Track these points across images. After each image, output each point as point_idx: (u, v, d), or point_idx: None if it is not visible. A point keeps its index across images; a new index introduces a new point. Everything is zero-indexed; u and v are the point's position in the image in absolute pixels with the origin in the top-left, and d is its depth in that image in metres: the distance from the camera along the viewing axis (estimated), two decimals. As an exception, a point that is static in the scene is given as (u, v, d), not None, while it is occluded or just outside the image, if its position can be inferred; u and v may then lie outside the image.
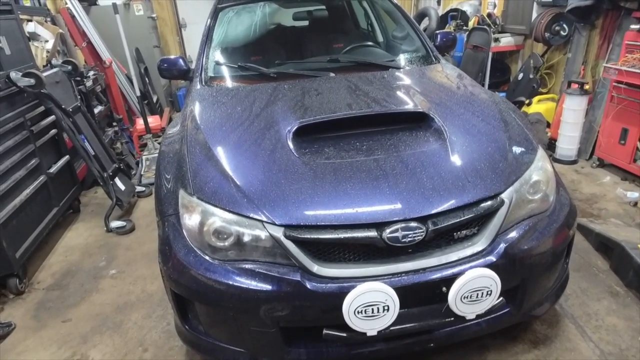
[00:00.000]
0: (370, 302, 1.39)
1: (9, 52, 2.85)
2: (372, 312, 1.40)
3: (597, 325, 2.05)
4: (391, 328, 1.46)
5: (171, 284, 1.63)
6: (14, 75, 2.76)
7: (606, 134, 3.62)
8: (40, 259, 2.95)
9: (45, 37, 3.97)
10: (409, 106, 1.97)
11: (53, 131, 3.25)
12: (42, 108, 3.13)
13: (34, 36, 3.85)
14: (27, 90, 2.88)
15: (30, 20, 3.91)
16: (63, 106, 3.18)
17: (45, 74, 3.11)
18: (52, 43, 3.93)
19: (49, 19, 4.44)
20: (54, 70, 3.44)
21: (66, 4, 4.91)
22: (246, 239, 1.51)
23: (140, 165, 4.33)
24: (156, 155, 4.23)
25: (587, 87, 3.74)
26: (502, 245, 1.54)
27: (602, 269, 2.44)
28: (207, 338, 1.69)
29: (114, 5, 4.31)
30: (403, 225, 1.46)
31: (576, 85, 3.72)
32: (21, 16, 3.40)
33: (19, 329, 2.32)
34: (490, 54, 4.86)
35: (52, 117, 3.20)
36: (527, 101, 4.47)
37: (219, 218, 1.54)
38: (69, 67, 3.62)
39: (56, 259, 2.96)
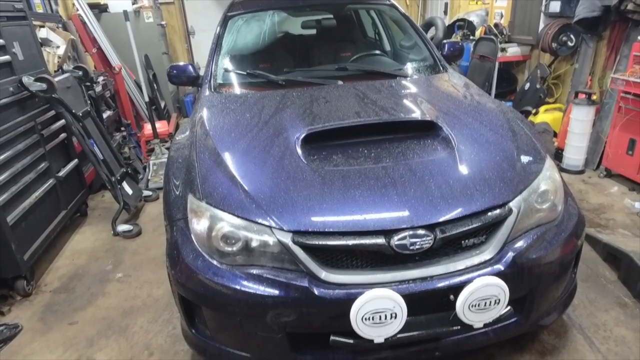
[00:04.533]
0: (378, 309, 1.39)
1: (21, 57, 2.89)
2: (380, 319, 1.40)
3: (605, 336, 2.03)
4: (398, 335, 1.45)
5: (179, 288, 1.63)
6: (26, 80, 2.81)
7: (613, 144, 3.61)
8: (47, 261, 2.97)
9: (57, 42, 4.03)
10: (417, 115, 1.98)
11: (63, 135, 3.29)
12: (52, 112, 3.17)
13: (46, 42, 3.91)
14: (38, 95, 2.92)
15: (43, 26, 3.98)
16: (73, 111, 3.22)
17: (56, 79, 3.16)
18: (64, 49, 3.99)
19: (60, 25, 4.51)
20: (65, 75, 3.49)
21: (77, 10, 4.99)
22: (254, 244, 1.52)
23: (147, 169, 4.36)
24: (163, 160, 4.28)
25: (594, 97, 3.74)
26: (510, 254, 1.54)
27: (610, 280, 2.42)
28: (213, 342, 1.69)
29: (125, 12, 4.37)
30: (411, 232, 1.46)
31: (583, 96, 3.72)
32: (34, 22, 3.46)
33: (25, 330, 2.33)
34: (497, 64, 4.87)
35: (62, 122, 3.24)
36: (533, 111, 4.47)
37: (228, 223, 1.55)
38: (80, 73, 3.66)
39: (63, 262, 2.98)
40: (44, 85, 2.90)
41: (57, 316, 2.43)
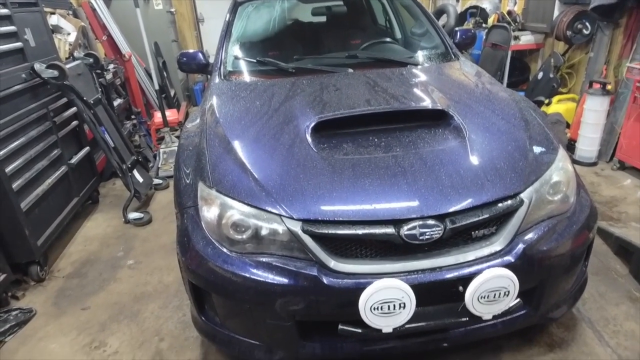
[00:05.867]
0: (387, 298, 1.39)
1: (33, 44, 2.91)
2: (389, 309, 1.40)
3: (615, 330, 2.02)
4: (407, 325, 1.46)
5: (189, 275, 1.65)
6: (38, 66, 2.83)
7: (628, 135, 3.55)
8: (60, 247, 3.02)
9: (68, 29, 4.04)
10: (428, 103, 1.96)
11: (74, 123, 3.32)
12: (64, 100, 3.19)
13: (57, 29, 3.92)
14: (50, 82, 2.94)
15: (54, 13, 3.99)
16: (85, 98, 3.24)
17: (68, 66, 3.17)
18: (75, 36, 4.00)
19: (71, 12, 4.52)
20: (76, 62, 3.50)
21: (88, -3, 4.99)
22: (264, 232, 1.53)
23: (157, 158, 4.39)
24: (173, 148, 4.30)
25: (609, 87, 3.66)
26: (521, 246, 1.52)
27: (621, 273, 2.40)
28: (223, 330, 1.71)
29: (135, -1, 4.35)
30: (421, 222, 1.45)
31: (598, 85, 3.65)
32: (45, 9, 3.46)
33: (39, 315, 2.38)
34: (510, 53, 4.79)
35: (73, 109, 3.27)
36: (546, 101, 4.40)
37: (237, 211, 1.55)
38: (91, 60, 3.67)
39: (75, 248, 3.03)
40: (55, 72, 2.91)
41: (70, 301, 2.48)
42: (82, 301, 2.47)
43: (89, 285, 2.61)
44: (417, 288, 1.42)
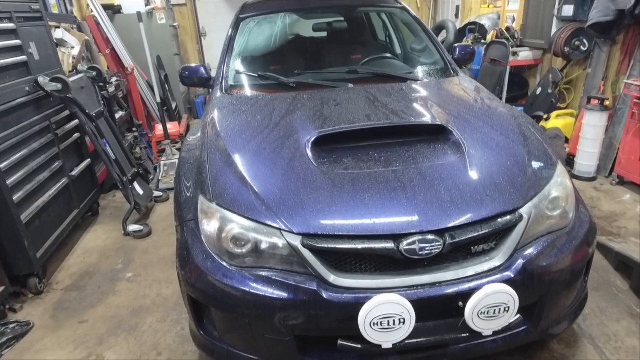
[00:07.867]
0: (387, 314, 1.39)
1: (37, 57, 2.94)
2: (388, 325, 1.40)
3: (616, 347, 2.01)
4: (406, 341, 1.45)
5: (188, 288, 1.65)
6: (42, 80, 2.86)
7: (627, 151, 3.56)
8: (59, 259, 3.01)
9: (72, 43, 4.09)
10: (428, 118, 1.98)
11: (76, 135, 3.34)
12: (66, 112, 3.22)
13: (61, 42, 3.96)
14: (53, 95, 2.97)
15: (58, 27, 4.04)
16: (87, 111, 3.27)
17: (71, 79, 3.20)
18: (78, 49, 4.04)
19: (75, 26, 4.58)
20: (80, 75, 3.54)
21: (92, 11, 5.06)
22: (264, 246, 1.53)
23: (158, 170, 4.40)
24: (174, 160, 4.31)
25: (607, 103, 3.69)
26: (520, 262, 1.52)
27: (621, 289, 2.39)
28: (221, 344, 1.70)
29: (138, 13, 4.41)
30: (420, 237, 1.46)
31: (596, 101, 3.68)
32: (50, 23, 3.51)
33: (37, 328, 2.36)
34: (508, 68, 4.83)
35: (75, 121, 3.29)
36: (545, 116, 4.43)
37: (238, 225, 1.56)
38: (94, 73, 3.71)
39: (75, 261, 3.02)
40: (59, 86, 2.95)
41: (68, 314, 2.46)
42: (81, 314, 2.45)
43: (87, 298, 2.60)
44: (417, 303, 1.41)
